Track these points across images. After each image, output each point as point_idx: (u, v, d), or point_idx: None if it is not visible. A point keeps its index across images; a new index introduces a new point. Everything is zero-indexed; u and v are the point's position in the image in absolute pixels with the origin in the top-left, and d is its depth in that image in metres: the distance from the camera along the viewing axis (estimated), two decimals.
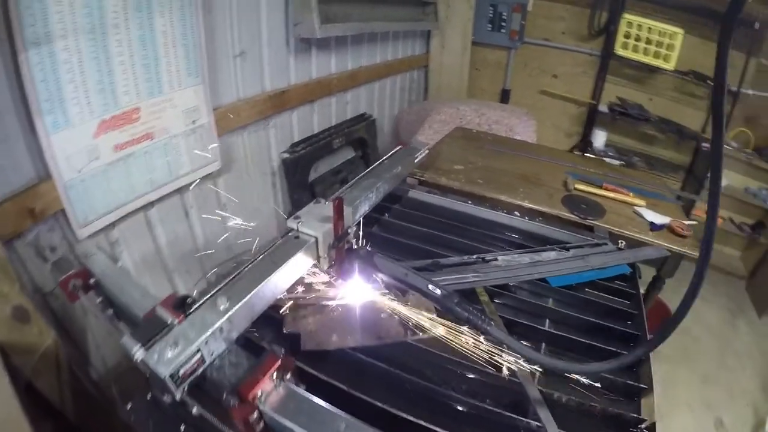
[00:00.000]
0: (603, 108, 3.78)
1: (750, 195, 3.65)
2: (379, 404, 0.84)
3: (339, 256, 1.02)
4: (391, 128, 3.78)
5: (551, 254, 1.42)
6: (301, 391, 0.79)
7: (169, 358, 0.71)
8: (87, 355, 1.49)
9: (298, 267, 0.99)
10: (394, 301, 1.03)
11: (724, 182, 3.61)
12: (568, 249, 1.45)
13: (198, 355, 0.74)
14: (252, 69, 2.03)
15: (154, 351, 0.71)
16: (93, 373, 1.49)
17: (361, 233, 1.10)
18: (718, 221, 2.34)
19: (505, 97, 4.21)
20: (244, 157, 2.15)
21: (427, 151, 1.74)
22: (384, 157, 1.57)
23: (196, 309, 0.80)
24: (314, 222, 1.01)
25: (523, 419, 0.87)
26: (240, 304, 0.82)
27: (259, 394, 0.74)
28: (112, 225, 1.54)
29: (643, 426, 0.90)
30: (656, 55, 3.44)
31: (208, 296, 0.83)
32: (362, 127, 3.08)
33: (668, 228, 1.76)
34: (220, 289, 0.85)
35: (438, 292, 0.89)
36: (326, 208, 1.06)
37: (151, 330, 0.75)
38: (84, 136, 1.30)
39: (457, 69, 3.96)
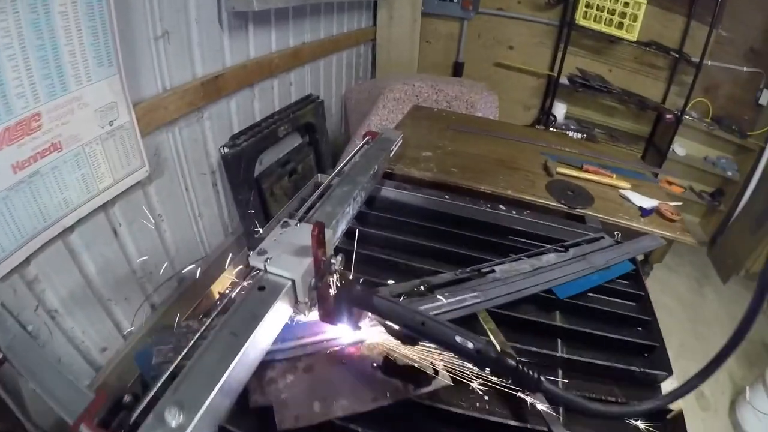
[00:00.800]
0: (563, 80, 3.76)
1: (709, 164, 3.82)
2: None
3: (322, 296, 0.82)
4: (339, 109, 3.57)
5: (551, 256, 1.31)
6: None
7: None
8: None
9: (272, 326, 0.78)
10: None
11: (683, 152, 3.76)
12: (567, 249, 1.36)
13: None
14: (179, 52, 1.76)
15: None
16: None
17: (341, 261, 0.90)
18: (679, 190, 2.37)
19: (458, 70, 4.09)
20: (177, 157, 1.91)
21: (401, 141, 1.55)
22: (352, 153, 1.38)
23: (137, 424, 0.58)
24: (286, 257, 0.80)
25: None
26: (201, 412, 0.59)
27: None
28: (27, 261, 1.30)
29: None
30: (619, 26, 3.45)
31: (149, 396, 0.62)
32: (309, 110, 2.87)
33: (657, 212, 1.74)
34: (165, 387, 0.64)
35: (470, 345, 0.71)
36: (297, 232, 0.86)
37: None
38: None
39: (406, 42, 3.78)
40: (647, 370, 1.00)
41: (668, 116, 3.56)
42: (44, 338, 1.39)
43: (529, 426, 0.84)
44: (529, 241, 1.44)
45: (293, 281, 0.78)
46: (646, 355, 1.09)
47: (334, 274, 0.82)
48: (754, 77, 3.59)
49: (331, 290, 0.81)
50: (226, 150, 2.18)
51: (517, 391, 0.84)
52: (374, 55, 3.97)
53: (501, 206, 1.57)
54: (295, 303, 0.83)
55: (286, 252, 0.81)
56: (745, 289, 3.57)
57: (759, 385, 2.44)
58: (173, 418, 0.57)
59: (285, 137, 2.66)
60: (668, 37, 3.52)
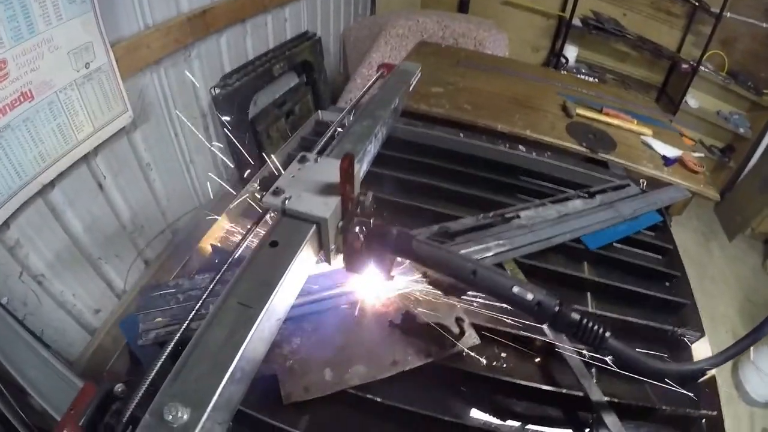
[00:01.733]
0: (576, 22, 3.55)
1: (722, 119, 3.69)
2: None
3: (349, 241, 0.69)
4: (337, 48, 3.35)
5: (577, 203, 1.26)
6: None
7: None
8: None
9: (292, 286, 0.64)
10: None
11: (696, 104, 3.62)
12: (593, 195, 1.30)
13: None
14: None
15: None
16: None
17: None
18: (690, 142, 2.30)
19: (463, 7, 3.83)
20: (164, 100, 1.78)
21: (420, 74, 1.35)
22: (367, 86, 1.23)
23: (129, 425, 0.49)
24: (308, 195, 0.67)
25: None
26: (209, 408, 0.46)
27: None
28: (6, 224, 1.22)
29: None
30: None
31: (145, 386, 0.50)
32: (306, 48, 2.68)
33: (681, 162, 1.71)
34: (162, 363, 0.52)
35: (530, 297, 0.61)
36: (319, 169, 0.72)
37: None
38: None
39: None
40: (681, 329, 0.97)
41: (684, 66, 3.41)
42: (32, 306, 1.33)
43: (564, 391, 0.80)
44: (552, 186, 1.39)
45: (318, 224, 0.65)
46: (676, 312, 1.06)
47: (365, 217, 0.70)
48: None
49: (360, 234, 0.68)
50: (218, 91, 2.04)
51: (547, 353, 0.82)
52: None
53: (520, 146, 1.51)
54: (320, 250, 0.70)
55: (307, 190, 0.67)
56: (750, 248, 3.56)
57: (764, 346, 2.42)
58: (175, 417, 0.45)
59: (280, 76, 2.50)
60: None
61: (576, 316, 0.62)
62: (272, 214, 0.68)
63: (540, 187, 1.36)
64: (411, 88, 1.27)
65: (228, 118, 2.12)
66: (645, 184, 1.44)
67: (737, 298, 3.13)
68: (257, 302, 0.54)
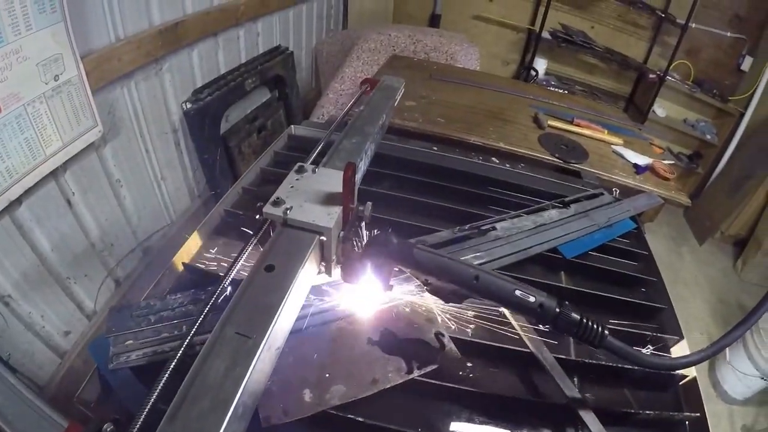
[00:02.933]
0: (545, 35, 3.69)
1: (689, 126, 3.89)
2: None
3: (347, 250, 0.70)
4: (310, 62, 3.40)
5: (552, 213, 1.29)
6: None
7: None
8: None
9: (296, 304, 0.64)
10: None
11: (663, 113, 3.79)
12: (567, 205, 1.34)
13: None
14: None
15: None
16: None
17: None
18: (658, 150, 2.40)
19: (434, 22, 3.95)
20: (134, 115, 1.77)
21: (403, 89, 1.37)
22: (351, 102, 1.25)
23: None
24: (310, 206, 0.67)
25: None
26: None
27: None
28: None
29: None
30: None
31: (144, 412, 0.47)
32: (278, 62, 2.71)
33: (652, 170, 1.77)
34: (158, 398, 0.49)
35: (532, 300, 0.64)
36: (317, 180, 0.74)
37: None
38: None
39: None
40: (660, 335, 1.00)
41: (651, 76, 3.57)
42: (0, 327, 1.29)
43: (547, 401, 0.82)
44: (526, 197, 1.41)
45: (321, 234, 0.65)
46: (653, 317, 1.08)
47: (364, 224, 0.72)
48: (737, 43, 3.62)
49: (358, 243, 0.70)
50: (189, 105, 2.04)
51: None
52: (346, 6, 3.77)
53: (494, 159, 1.55)
54: (321, 261, 0.70)
55: (308, 200, 0.68)
56: (720, 251, 3.70)
57: (739, 346, 2.51)
58: None
59: (252, 91, 2.51)
60: None
61: (576, 316, 0.65)
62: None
63: (515, 198, 1.38)
64: (396, 103, 1.30)
65: (199, 134, 2.11)
66: (618, 192, 1.49)
67: (709, 300, 3.24)
68: (257, 332, 0.53)
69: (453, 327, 0.90)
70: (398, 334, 0.86)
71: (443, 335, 0.86)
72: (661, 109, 3.83)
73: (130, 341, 0.78)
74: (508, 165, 1.53)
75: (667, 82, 3.65)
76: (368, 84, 1.30)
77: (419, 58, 2.78)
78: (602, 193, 1.46)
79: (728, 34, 3.57)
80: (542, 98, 2.24)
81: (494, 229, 1.17)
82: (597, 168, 1.72)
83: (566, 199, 1.38)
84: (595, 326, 0.66)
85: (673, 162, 1.86)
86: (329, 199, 0.68)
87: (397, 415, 0.75)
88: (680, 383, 0.92)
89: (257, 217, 0.68)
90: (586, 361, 0.89)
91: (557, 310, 0.65)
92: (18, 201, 1.28)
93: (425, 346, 0.85)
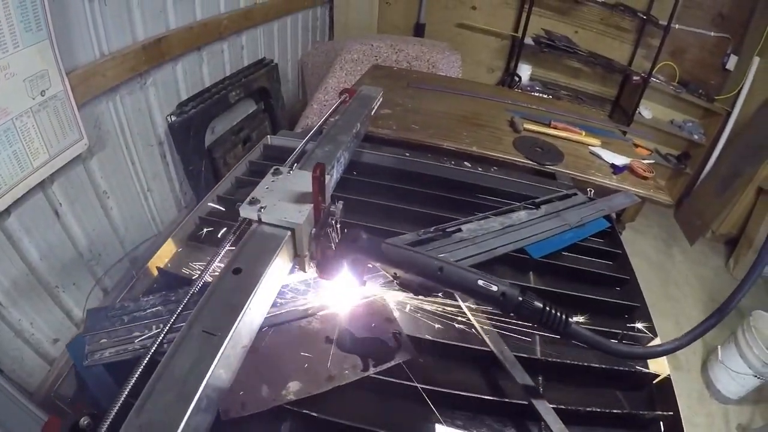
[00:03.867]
0: (528, 41, 3.80)
1: (675, 127, 3.99)
2: None
3: (321, 248, 0.76)
4: (296, 74, 3.51)
5: (521, 214, 1.31)
6: None
7: None
8: None
9: (262, 305, 0.68)
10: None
11: (649, 115, 3.87)
12: (538, 206, 1.35)
13: None
14: (116, 14, 1.70)
15: None
16: None
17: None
18: (645, 152, 2.45)
19: (419, 32, 4.07)
20: (119, 127, 1.86)
21: (381, 98, 1.43)
22: (329, 111, 1.28)
23: None
24: (283, 204, 0.73)
25: None
26: None
27: None
28: None
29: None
30: None
31: (112, 417, 0.51)
32: (263, 74, 2.82)
33: (630, 169, 1.78)
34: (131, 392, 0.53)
35: (494, 288, 0.67)
36: (292, 180, 0.80)
37: None
38: None
39: (365, 3, 3.75)
40: (633, 333, 1.02)
41: (635, 78, 3.67)
42: None
43: (507, 400, 0.83)
44: (498, 199, 1.43)
45: (293, 230, 0.72)
46: (626, 316, 1.09)
47: (335, 223, 0.78)
48: (721, 42, 3.72)
49: (331, 241, 0.76)
50: (174, 118, 2.13)
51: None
52: (332, 18, 3.90)
53: (466, 163, 1.56)
54: (294, 256, 0.76)
55: (281, 199, 0.74)
56: (712, 250, 3.78)
57: (730, 345, 2.57)
58: None
59: (237, 103, 2.61)
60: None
61: (539, 304, 0.68)
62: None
63: (486, 201, 1.39)
64: (372, 112, 1.35)
65: (184, 146, 2.20)
66: (593, 192, 1.50)
67: (701, 299, 3.31)
68: (222, 330, 0.57)
69: (413, 326, 0.93)
70: (356, 333, 0.89)
71: (400, 334, 0.90)
72: (647, 111, 3.93)
73: (104, 340, 0.83)
74: (480, 169, 1.54)
75: (653, 84, 3.75)
76: (347, 94, 1.34)
77: (401, 67, 2.87)
78: (576, 194, 1.46)
79: (712, 33, 3.68)
80: (521, 103, 2.28)
81: (460, 230, 1.19)
82: (572, 169, 1.73)
83: (537, 200, 1.39)
84: (558, 314, 0.68)
85: (653, 161, 1.88)
86: (301, 198, 0.74)
87: (352, 411, 0.77)
88: (654, 382, 0.92)
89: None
90: (551, 360, 0.91)
91: (519, 298, 0.67)
92: (7, 211, 1.36)
93: (382, 345, 0.88)
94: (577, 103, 3.74)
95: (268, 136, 1.59)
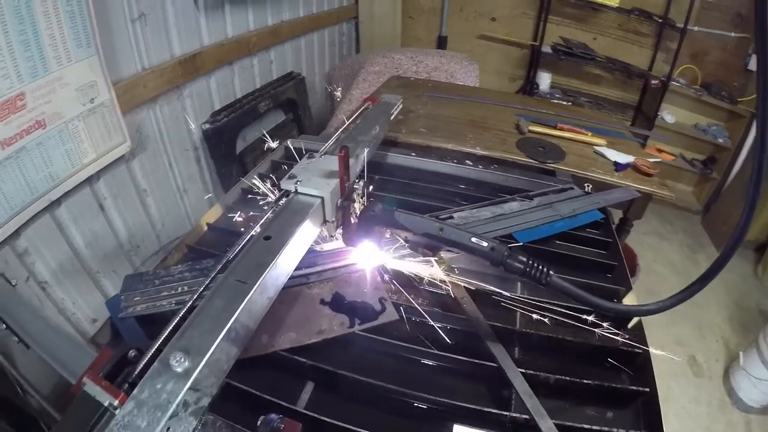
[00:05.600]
0: (546, 49, 3.86)
1: (700, 131, 3.92)
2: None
3: (346, 217, 0.92)
4: (323, 87, 3.70)
5: (514, 205, 1.38)
6: None
7: None
8: (22, 385, 1.40)
9: (302, 242, 0.84)
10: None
11: (672, 119, 3.83)
12: (531, 198, 1.42)
13: None
14: (156, 33, 1.91)
15: None
16: (33, 402, 1.42)
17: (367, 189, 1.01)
18: (669, 157, 2.45)
19: (442, 44, 4.21)
20: (159, 133, 2.06)
21: (401, 105, 1.56)
22: (352, 117, 1.42)
23: (140, 376, 0.59)
24: (315, 179, 0.90)
25: (507, 413, 0.83)
26: (206, 357, 0.59)
27: None
28: (17, 233, 1.45)
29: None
30: None
31: (157, 345, 0.63)
32: (291, 87, 3.01)
33: (633, 167, 1.81)
34: (175, 328, 0.65)
35: (485, 244, 0.80)
36: (324, 162, 0.97)
37: (82, 423, 0.56)
38: None
39: (389, 18, 3.93)
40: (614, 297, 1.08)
41: (653, 81, 3.67)
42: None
43: (477, 361, 0.91)
44: (496, 193, 1.49)
45: (322, 199, 0.88)
46: (614, 300, 1.12)
47: (357, 196, 0.94)
48: (742, 42, 3.66)
49: (354, 212, 0.92)
50: (207, 126, 2.33)
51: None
52: (358, 33, 4.09)
53: (468, 161, 1.64)
54: (324, 222, 0.93)
55: (314, 176, 0.91)
56: (739, 256, 3.64)
57: (753, 351, 2.49)
58: (179, 364, 0.56)
59: (266, 113, 2.80)
60: (653, 3, 3.60)
61: (524, 258, 0.79)
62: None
63: (483, 195, 1.46)
64: (392, 118, 1.48)
65: (217, 151, 2.40)
66: (590, 187, 1.54)
67: (727, 305, 3.23)
68: (251, 279, 0.69)
69: (402, 295, 1.04)
70: (347, 297, 1.03)
71: (386, 300, 1.02)
72: (670, 115, 3.90)
73: (137, 298, 1.00)
74: (480, 166, 1.61)
75: (674, 88, 3.73)
76: (369, 102, 1.49)
77: (420, 78, 3.00)
78: (572, 188, 1.51)
79: (732, 34, 3.63)
80: (531, 107, 2.36)
81: (452, 218, 1.28)
82: (573, 167, 1.77)
83: (531, 192, 1.44)
84: (541, 267, 0.78)
85: (659, 160, 1.91)
86: (329, 175, 0.91)
87: (336, 360, 0.88)
88: (628, 326, 0.99)
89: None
90: (526, 331, 0.98)
91: (506, 252, 0.79)
92: (58, 202, 1.56)
93: (369, 308, 1.00)
94: (597, 110, 3.77)
95: (290, 140, 1.74)
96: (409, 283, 1.08)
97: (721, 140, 3.83)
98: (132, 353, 0.64)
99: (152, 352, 0.62)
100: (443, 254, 1.09)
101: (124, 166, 1.88)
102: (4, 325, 1.04)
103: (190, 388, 0.56)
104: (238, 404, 0.81)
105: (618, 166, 1.83)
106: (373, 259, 1.07)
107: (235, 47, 2.44)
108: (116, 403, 0.57)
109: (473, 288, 1.04)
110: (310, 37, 3.34)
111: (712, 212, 3.98)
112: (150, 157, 2.02)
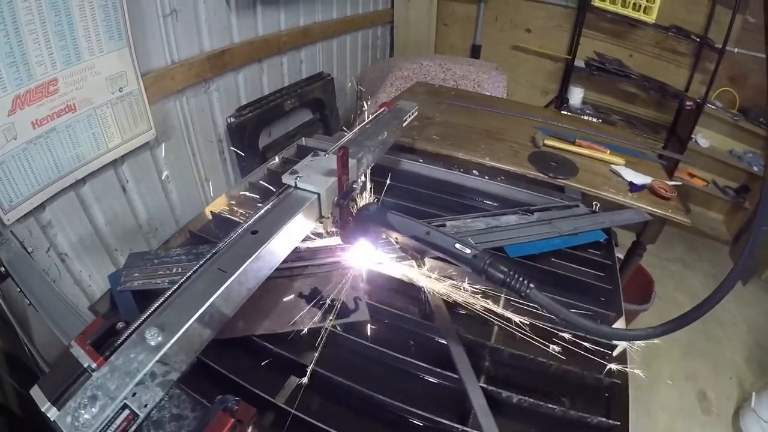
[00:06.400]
0: (579, 63, 3.83)
1: (735, 157, 3.77)
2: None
3: (343, 215, 0.96)
4: (353, 88, 3.79)
5: (511, 218, 1.38)
6: None
7: (86, 420, 0.57)
8: (28, 348, 1.51)
9: (291, 238, 0.88)
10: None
11: (706, 143, 3.71)
12: (531, 212, 1.41)
13: (125, 413, 0.61)
14: (186, 28, 2.02)
15: (67, 411, 0.58)
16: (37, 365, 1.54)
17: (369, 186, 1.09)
18: (701, 183, 2.36)
19: (475, 53, 4.23)
20: (184, 123, 2.18)
21: (416, 112, 1.55)
22: (366, 121, 1.41)
23: (118, 346, 0.65)
24: (315, 176, 0.95)
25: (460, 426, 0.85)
26: (178, 335, 0.65)
27: None
28: (42, 207, 1.57)
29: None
30: (636, 7, 3.47)
31: (138, 322, 0.68)
32: (318, 86, 3.10)
33: (649, 189, 1.77)
34: (158, 306, 0.71)
35: (467, 251, 0.80)
36: (326, 161, 1.02)
37: (63, 379, 0.62)
38: None
39: (423, 24, 3.97)
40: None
41: (688, 103, 3.56)
42: (53, 277, 1.66)
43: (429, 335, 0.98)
44: (497, 205, 1.52)
45: (319, 195, 0.93)
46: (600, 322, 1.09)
47: (355, 196, 0.99)
48: None
49: (352, 213, 0.97)
50: (232, 120, 2.44)
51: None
52: (392, 37, 4.17)
53: (474, 171, 1.66)
54: (320, 218, 0.98)
55: (314, 173, 0.96)
56: (765, 293, 3.52)
57: (765, 393, 2.41)
58: (152, 338, 0.63)
59: (292, 111, 2.90)
60: (692, 22, 3.51)
61: (504, 268, 0.77)
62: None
63: (484, 206, 1.49)
64: (405, 124, 1.50)
65: (240, 144, 2.51)
66: (598, 206, 1.51)
67: (746, 343, 3.11)
68: (231, 269, 0.74)
69: (378, 298, 1.10)
70: (325, 293, 1.08)
71: (360, 300, 1.08)
72: (704, 139, 3.79)
73: (137, 274, 1.10)
74: (486, 177, 1.62)
75: (710, 111, 3.62)
76: (385, 107, 1.50)
77: (447, 86, 3.02)
78: (578, 206, 1.49)
79: None
80: (552, 121, 2.34)
81: (443, 225, 1.30)
82: (584, 184, 1.75)
83: (533, 207, 1.44)
84: (521, 278, 0.76)
85: (679, 183, 1.87)
86: (329, 173, 0.95)
87: (301, 352, 0.95)
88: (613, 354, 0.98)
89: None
90: (499, 347, 1.00)
91: (488, 261, 0.78)
92: (83, 180, 1.68)
93: (342, 306, 1.06)
94: (628, 129, 3.69)
95: (303, 138, 1.83)
96: (388, 286, 1.13)
97: (756, 168, 3.67)
98: (120, 325, 0.69)
99: (136, 325, 0.68)
100: (428, 260, 1.12)
101: (148, 153, 1.99)
102: (18, 288, 1.15)
103: (158, 361, 0.62)
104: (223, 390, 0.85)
105: (633, 187, 1.79)
106: (356, 260, 1.12)
107: (265, 46, 2.54)
108: (94, 366, 0.62)
109: (450, 300, 1.06)
110: (343, 38, 3.42)
111: (741, 244, 3.84)
112: (174, 145, 2.13)
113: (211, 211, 1.40)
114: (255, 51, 2.48)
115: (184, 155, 2.23)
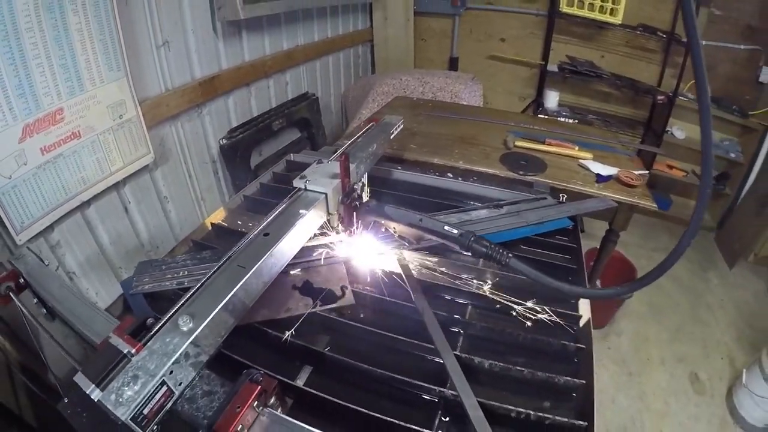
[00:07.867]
0: (553, 67, 4.00)
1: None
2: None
3: (347, 212, 1.13)
4: (338, 106, 3.96)
5: (481, 212, 1.49)
6: (287, 419, 0.79)
7: (129, 396, 0.65)
8: (41, 359, 1.62)
9: (299, 237, 1.03)
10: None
11: (682, 135, 3.86)
12: (501, 206, 1.53)
13: (163, 389, 0.70)
14: (178, 58, 2.18)
15: (110, 391, 0.66)
16: (51, 376, 1.64)
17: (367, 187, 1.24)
18: (680, 174, 2.52)
19: (453, 65, 4.43)
20: (180, 146, 2.33)
21: (402, 125, 1.67)
22: (356, 137, 1.52)
23: (155, 333, 0.75)
24: (321, 179, 1.12)
25: (437, 388, 0.95)
26: (207, 321, 0.77)
27: (239, 428, 0.72)
28: (51, 228, 1.69)
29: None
30: (602, 10, 3.64)
31: (172, 312, 0.79)
32: (304, 106, 3.27)
33: (616, 179, 1.90)
34: (187, 299, 0.82)
35: (455, 231, 1.00)
36: (329, 166, 1.19)
37: (104, 364, 0.71)
38: (9, 142, 1.45)
39: (402, 41, 4.18)
40: (573, 313, 1.17)
41: (659, 97, 3.70)
42: None
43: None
44: (471, 203, 1.64)
45: (326, 194, 1.10)
46: (572, 301, 1.22)
47: (356, 195, 1.15)
48: (752, 55, 3.66)
49: (354, 209, 1.13)
50: (224, 141, 2.60)
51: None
52: (373, 55, 4.37)
53: (449, 174, 1.80)
54: (327, 213, 1.14)
55: (321, 176, 1.14)
56: (753, 274, 3.67)
57: (755, 368, 2.48)
58: (185, 324, 0.74)
59: (280, 131, 3.06)
60: (660, 19, 3.67)
61: (486, 242, 0.96)
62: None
63: (458, 204, 1.59)
64: (392, 137, 1.63)
65: (232, 164, 2.66)
66: (565, 197, 1.64)
67: (736, 325, 3.21)
68: (249, 265, 0.88)
69: (363, 285, 1.24)
70: (315, 284, 1.23)
71: (347, 288, 1.22)
72: (680, 131, 3.93)
73: (147, 278, 1.24)
74: (459, 179, 1.76)
75: (683, 103, 3.75)
76: (373, 122, 1.65)
77: (426, 98, 3.21)
78: (545, 198, 1.62)
79: (742, 47, 3.63)
80: (524, 124, 2.48)
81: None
82: (552, 178, 1.87)
83: (502, 202, 1.56)
84: (501, 250, 0.95)
85: (645, 171, 1.97)
86: (333, 176, 1.13)
87: (301, 335, 1.07)
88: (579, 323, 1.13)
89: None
90: (472, 321, 1.14)
91: (472, 239, 0.97)
92: (88, 203, 1.81)
93: (331, 294, 1.21)
94: (605, 128, 3.84)
95: (291, 154, 2.00)
96: (371, 275, 1.26)
97: (733, 155, 3.81)
98: (150, 320, 0.79)
99: (169, 315, 0.78)
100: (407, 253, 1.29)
101: (148, 175, 2.13)
102: (36, 299, 1.26)
103: (191, 343, 0.73)
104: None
105: (600, 178, 1.91)
106: (343, 255, 1.27)
107: (251, 70, 2.71)
108: (134, 351, 0.72)
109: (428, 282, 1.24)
110: (326, 59, 3.61)
111: (725, 229, 3.99)
112: (171, 167, 2.28)
113: (211, 222, 1.54)
114: (242, 75, 2.64)
115: (181, 176, 2.38)
